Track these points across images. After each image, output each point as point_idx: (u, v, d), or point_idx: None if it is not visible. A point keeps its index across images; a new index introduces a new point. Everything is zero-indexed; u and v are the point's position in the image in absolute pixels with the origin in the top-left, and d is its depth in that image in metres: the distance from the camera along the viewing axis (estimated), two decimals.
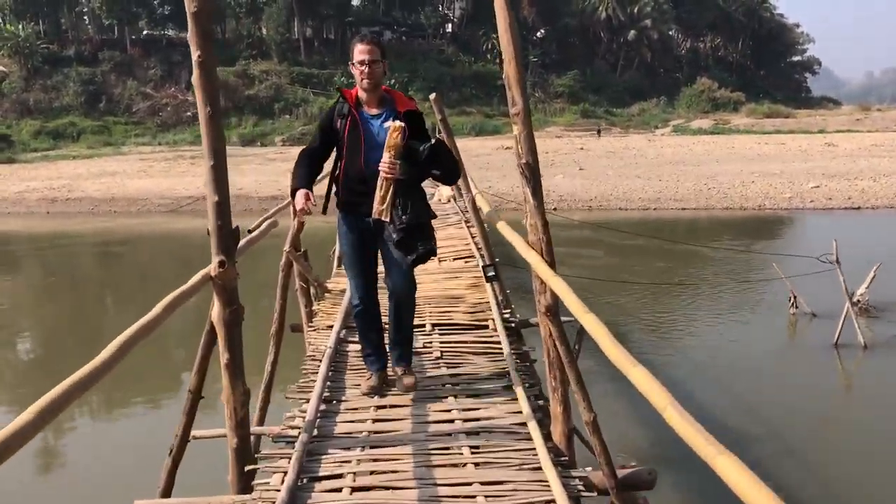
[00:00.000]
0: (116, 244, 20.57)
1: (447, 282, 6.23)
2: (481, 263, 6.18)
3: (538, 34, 61.32)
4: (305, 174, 3.60)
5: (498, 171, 27.89)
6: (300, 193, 3.50)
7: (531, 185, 2.78)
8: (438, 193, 12.67)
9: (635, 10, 61.33)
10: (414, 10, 63.09)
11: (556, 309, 2.77)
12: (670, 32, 67.20)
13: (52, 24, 57.18)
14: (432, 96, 5.79)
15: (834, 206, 23.04)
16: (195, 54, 2.18)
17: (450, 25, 64.86)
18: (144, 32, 59.87)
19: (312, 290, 6.06)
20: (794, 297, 11.16)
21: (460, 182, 5.50)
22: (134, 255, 19.27)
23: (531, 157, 2.77)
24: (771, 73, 70.52)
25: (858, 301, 10.63)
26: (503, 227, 3.73)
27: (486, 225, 6.29)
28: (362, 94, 3.56)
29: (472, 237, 7.96)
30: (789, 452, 6.73)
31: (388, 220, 3.42)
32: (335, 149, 3.66)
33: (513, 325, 4.81)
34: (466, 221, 9.27)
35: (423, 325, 4.77)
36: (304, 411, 3.30)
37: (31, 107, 50.29)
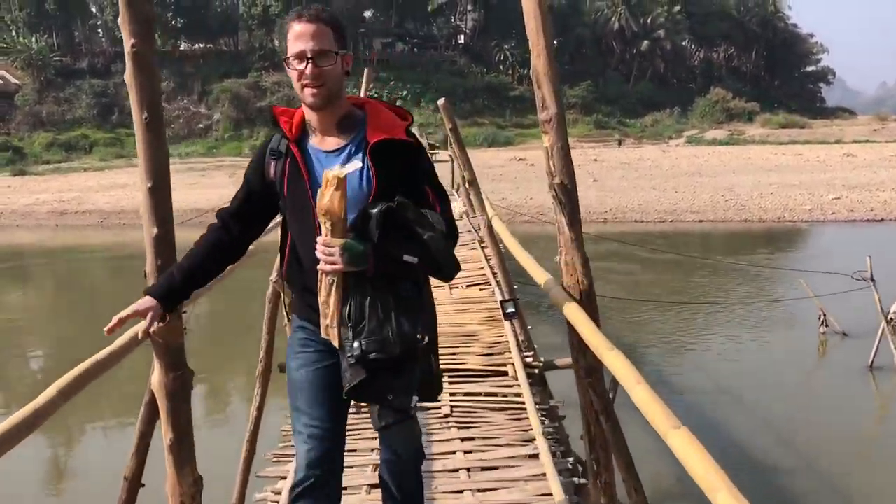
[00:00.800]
0: (128, 258, 20.32)
1: (458, 315, 5.48)
2: (499, 297, 5.50)
3: None
4: (186, 265, 2.08)
5: (511, 183, 27.71)
6: (139, 303, 2.03)
7: (567, 211, 2.16)
8: None
9: (648, 21, 60.94)
10: (426, 22, 63.08)
11: (600, 376, 2.20)
12: (683, 43, 66.73)
13: (66, 37, 57.46)
14: (441, 102, 5.00)
15: (856, 217, 22.60)
16: (128, 43, 1.66)
17: (462, 37, 64.72)
18: (157, 45, 59.93)
19: None
20: (824, 316, 10.66)
21: (472, 199, 4.84)
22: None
23: (567, 176, 2.14)
24: (785, 83, 69.90)
25: (892, 320, 10.08)
26: (573, 313, 2.29)
27: (501, 246, 5.55)
28: (310, 116, 2.07)
29: (488, 260, 7.10)
30: (822, 480, 6.37)
31: (336, 343, 1.99)
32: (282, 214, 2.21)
33: (536, 371, 4.19)
34: (481, 241, 8.31)
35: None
36: (279, 493, 2.71)
37: (44, 119, 50.47)
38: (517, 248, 3.01)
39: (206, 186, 30.36)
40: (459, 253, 9.41)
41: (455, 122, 5.17)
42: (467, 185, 5.63)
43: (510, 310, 4.21)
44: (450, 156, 12.80)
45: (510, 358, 4.30)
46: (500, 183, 27.44)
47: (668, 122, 55.45)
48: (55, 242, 24.17)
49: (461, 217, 11.21)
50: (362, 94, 9.70)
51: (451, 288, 6.29)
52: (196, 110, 52.28)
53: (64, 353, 11.50)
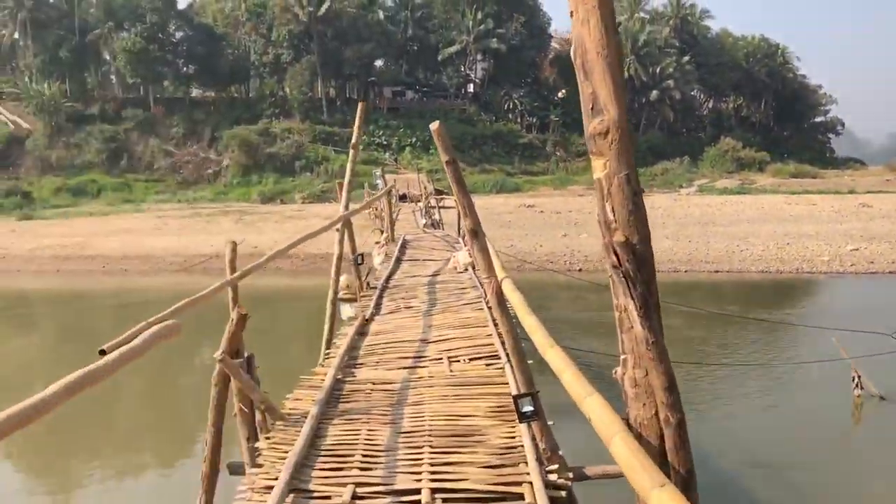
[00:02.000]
0: (135, 306, 20.07)
1: (458, 403, 4.19)
2: (512, 387, 4.17)
3: (559, 94, 61.16)
4: None
5: (520, 230, 27.50)
6: None
7: (637, 292, 1.17)
8: (454, 260, 10.54)
9: (657, 71, 61.07)
10: (436, 71, 63.59)
11: None
12: (693, 93, 66.79)
13: (78, 83, 58.08)
14: (433, 126, 3.77)
15: (877, 269, 22.05)
16: None
17: (472, 86, 65.10)
18: (168, 91, 60.66)
19: (258, 416, 4.10)
20: (859, 377, 9.97)
21: (476, 253, 3.89)
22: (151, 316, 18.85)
23: (636, 228, 1.17)
24: (794, 133, 69.84)
25: None
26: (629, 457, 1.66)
27: (511, 314, 4.05)
28: None
29: (496, 324, 5.62)
30: None
31: None
32: None
33: (564, 493, 3.09)
34: (488, 302, 6.68)
35: (419, 492, 3.01)
36: None
37: (53, 164, 50.61)
38: (548, 347, 2.15)
39: (211, 233, 30.32)
40: (462, 314, 7.08)
41: (453, 155, 4.06)
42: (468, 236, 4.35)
43: (527, 408, 3.14)
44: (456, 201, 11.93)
45: (527, 472, 3.17)
46: (509, 230, 27.29)
47: (679, 171, 55.11)
48: (57, 287, 24.00)
49: (466, 269, 10.00)
50: (355, 135, 8.89)
51: (451, 361, 5.10)
52: (205, 156, 52.48)
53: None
